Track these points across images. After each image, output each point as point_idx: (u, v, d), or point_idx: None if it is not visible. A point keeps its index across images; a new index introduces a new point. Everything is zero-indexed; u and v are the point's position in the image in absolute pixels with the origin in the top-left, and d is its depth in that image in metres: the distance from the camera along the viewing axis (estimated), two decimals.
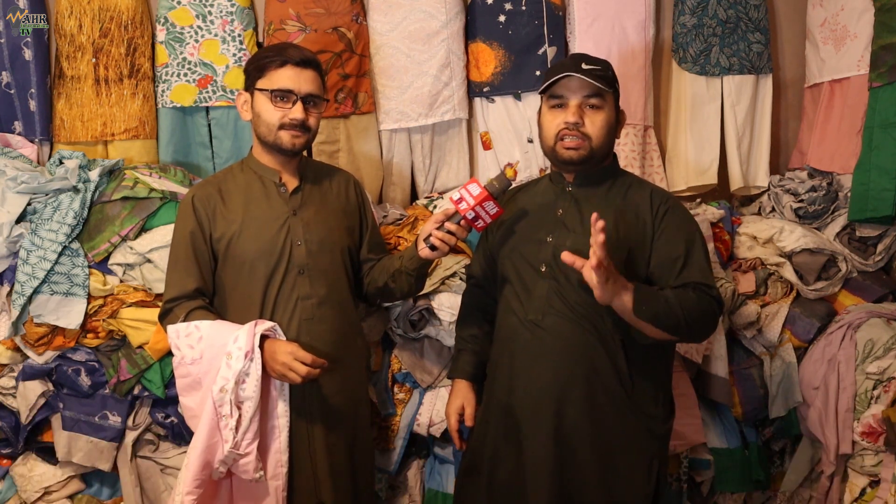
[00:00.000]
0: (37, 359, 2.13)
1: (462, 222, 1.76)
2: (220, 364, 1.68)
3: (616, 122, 1.80)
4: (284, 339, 1.75)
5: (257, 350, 1.68)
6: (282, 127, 1.83)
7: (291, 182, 1.91)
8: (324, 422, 1.85)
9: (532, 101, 2.55)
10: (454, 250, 2.24)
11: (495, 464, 1.80)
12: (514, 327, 1.78)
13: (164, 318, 1.82)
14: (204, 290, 1.84)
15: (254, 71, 1.86)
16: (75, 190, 2.15)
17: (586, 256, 1.55)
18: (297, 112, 1.82)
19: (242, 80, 2.36)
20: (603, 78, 1.74)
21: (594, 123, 1.74)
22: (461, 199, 1.74)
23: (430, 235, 1.78)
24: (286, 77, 1.82)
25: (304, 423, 1.83)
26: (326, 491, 1.84)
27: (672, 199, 1.81)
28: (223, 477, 1.76)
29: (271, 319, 1.80)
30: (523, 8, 2.51)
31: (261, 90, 1.84)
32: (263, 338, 1.72)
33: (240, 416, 1.68)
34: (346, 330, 1.92)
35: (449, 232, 1.76)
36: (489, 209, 1.74)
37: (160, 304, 1.87)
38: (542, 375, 1.73)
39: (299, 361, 1.67)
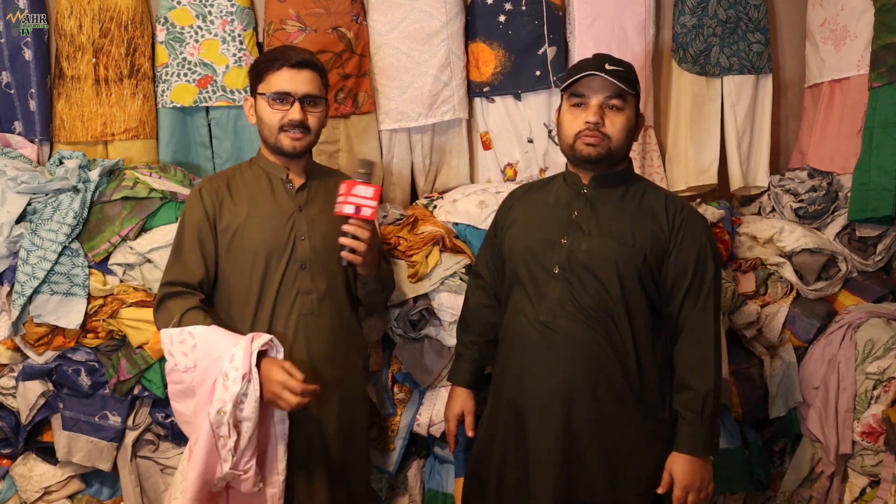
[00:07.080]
0: (37, 359, 2.13)
1: (351, 220, 1.76)
2: (216, 375, 1.64)
3: (636, 126, 1.81)
4: (282, 353, 1.71)
5: (255, 370, 1.64)
6: (281, 129, 1.86)
7: (298, 179, 1.94)
8: (321, 420, 1.85)
9: (532, 101, 2.55)
10: (453, 250, 2.24)
11: (504, 467, 1.80)
12: (523, 328, 1.78)
13: (159, 309, 1.80)
14: (203, 281, 1.84)
15: (254, 76, 1.91)
16: (75, 190, 2.15)
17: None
18: (294, 113, 1.85)
19: (242, 80, 2.41)
20: (625, 79, 1.74)
21: (614, 124, 1.74)
22: (337, 203, 1.76)
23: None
24: (283, 80, 1.85)
25: (301, 422, 1.82)
26: (322, 493, 1.85)
27: (686, 207, 1.82)
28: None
29: (271, 313, 1.81)
30: (523, 8, 2.51)
31: (261, 94, 1.88)
32: (261, 354, 1.68)
33: (238, 436, 1.65)
34: (345, 326, 1.93)
35: (348, 234, 1.76)
36: (363, 192, 1.75)
37: None
38: (550, 377, 1.73)
39: (289, 391, 1.62)
